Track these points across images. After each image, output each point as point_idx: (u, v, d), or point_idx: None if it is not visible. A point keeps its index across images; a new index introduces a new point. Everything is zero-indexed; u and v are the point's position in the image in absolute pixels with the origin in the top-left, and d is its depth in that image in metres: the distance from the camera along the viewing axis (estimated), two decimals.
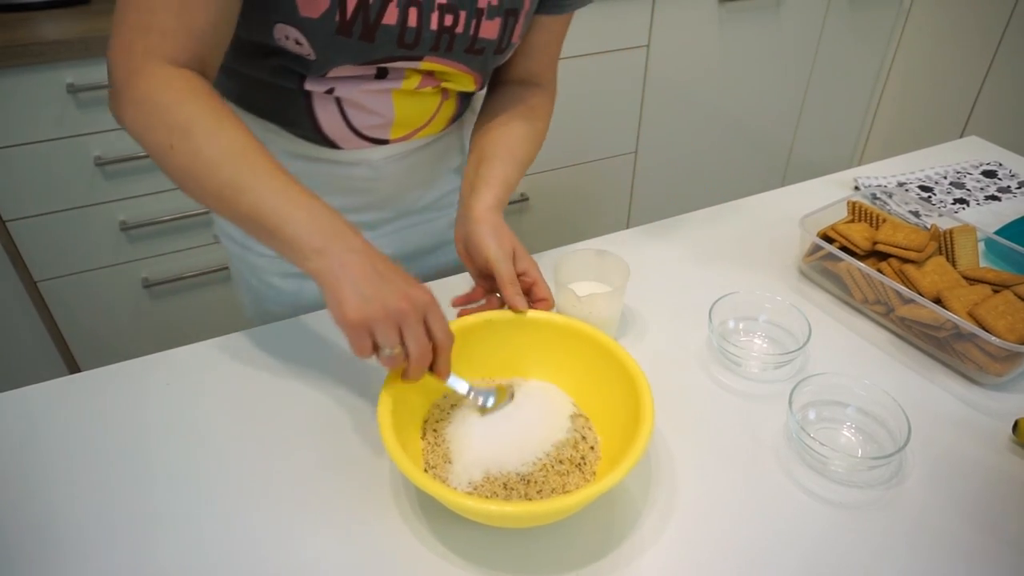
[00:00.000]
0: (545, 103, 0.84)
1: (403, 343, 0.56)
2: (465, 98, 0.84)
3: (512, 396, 0.66)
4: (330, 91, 0.72)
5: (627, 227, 1.00)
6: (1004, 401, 0.72)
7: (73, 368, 1.68)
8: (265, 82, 0.73)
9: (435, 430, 0.65)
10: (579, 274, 0.80)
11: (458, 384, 0.63)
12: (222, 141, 0.58)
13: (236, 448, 0.66)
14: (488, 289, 0.73)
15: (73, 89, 1.35)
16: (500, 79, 0.85)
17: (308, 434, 0.68)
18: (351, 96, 0.73)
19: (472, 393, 0.64)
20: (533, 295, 0.71)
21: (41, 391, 0.72)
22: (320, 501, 0.62)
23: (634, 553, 0.58)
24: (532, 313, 0.69)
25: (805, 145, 2.37)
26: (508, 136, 0.79)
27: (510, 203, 1.94)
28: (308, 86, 0.72)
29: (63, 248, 1.52)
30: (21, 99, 1.33)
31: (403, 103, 0.76)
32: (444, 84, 0.76)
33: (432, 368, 0.60)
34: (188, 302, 1.70)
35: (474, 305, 0.73)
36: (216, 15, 0.60)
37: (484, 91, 0.85)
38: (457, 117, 0.85)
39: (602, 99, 1.91)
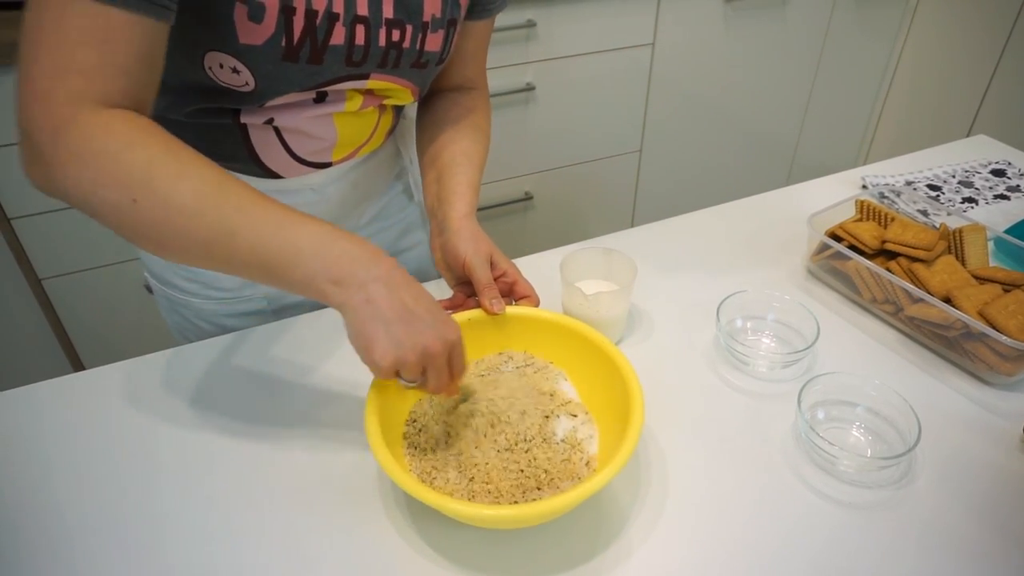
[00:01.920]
0: (484, 104, 0.85)
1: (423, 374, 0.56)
2: (399, 109, 0.84)
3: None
4: (269, 121, 0.69)
5: (631, 226, 0.99)
6: (1015, 401, 0.72)
7: (77, 366, 1.68)
8: (191, 124, 0.68)
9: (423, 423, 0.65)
10: (586, 272, 0.80)
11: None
12: (192, 182, 0.51)
13: (239, 445, 0.66)
14: (467, 295, 0.73)
15: None
16: (436, 88, 0.84)
17: (310, 432, 0.67)
18: (291, 124, 0.70)
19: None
20: (515, 293, 0.72)
21: (46, 388, 0.72)
22: (313, 499, 0.61)
23: (632, 552, 0.57)
24: (513, 309, 0.69)
25: (810, 144, 2.36)
26: (462, 143, 0.78)
27: (514, 202, 1.95)
28: (244, 119, 0.68)
29: (67, 246, 1.51)
30: None
31: (344, 124, 0.74)
32: (386, 102, 0.75)
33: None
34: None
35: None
36: (143, 46, 0.52)
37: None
38: (394, 129, 0.84)
39: (606, 97, 1.91)
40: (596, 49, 1.80)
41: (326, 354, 0.76)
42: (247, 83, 0.62)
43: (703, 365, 0.76)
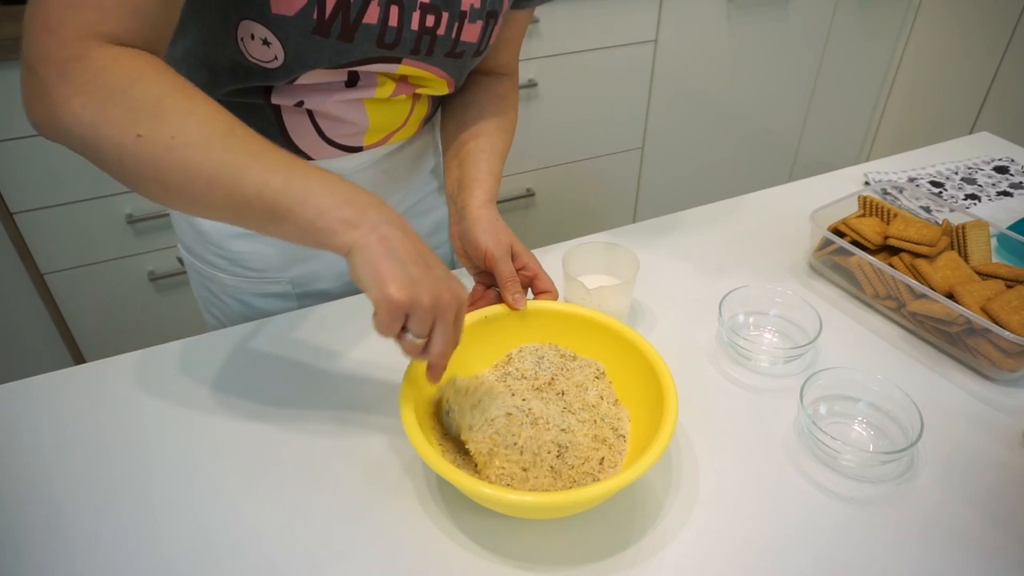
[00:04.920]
0: (513, 91, 0.84)
1: (429, 336, 0.53)
2: (437, 99, 0.83)
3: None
4: (299, 104, 0.69)
5: (633, 223, 0.99)
6: (1017, 397, 0.72)
7: (79, 360, 1.68)
8: (225, 103, 0.68)
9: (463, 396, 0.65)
10: (588, 267, 0.80)
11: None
12: (200, 120, 0.49)
13: (245, 437, 0.66)
14: (486, 285, 0.73)
15: None
16: (475, 68, 0.83)
17: (320, 421, 0.67)
18: (322, 108, 0.70)
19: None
20: (536, 288, 0.71)
21: (47, 381, 0.72)
22: (333, 487, 0.61)
23: (633, 546, 0.57)
24: (533, 303, 0.69)
25: (812, 142, 2.36)
26: (486, 129, 0.78)
27: (516, 198, 1.95)
28: (276, 99, 0.68)
29: (70, 241, 1.52)
30: None
31: (376, 110, 0.74)
32: (419, 91, 0.75)
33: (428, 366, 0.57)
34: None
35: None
36: None
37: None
38: (430, 118, 0.84)
39: (609, 95, 1.90)
40: (599, 46, 1.80)
41: (334, 345, 0.76)
42: (276, 56, 0.62)
43: (705, 360, 0.76)
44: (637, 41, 1.85)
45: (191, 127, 0.49)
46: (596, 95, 1.89)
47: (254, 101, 0.68)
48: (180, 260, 0.90)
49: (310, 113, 0.71)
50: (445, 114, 0.84)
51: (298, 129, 0.72)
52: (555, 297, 0.71)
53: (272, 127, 0.71)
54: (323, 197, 0.50)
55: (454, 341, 0.55)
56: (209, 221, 0.79)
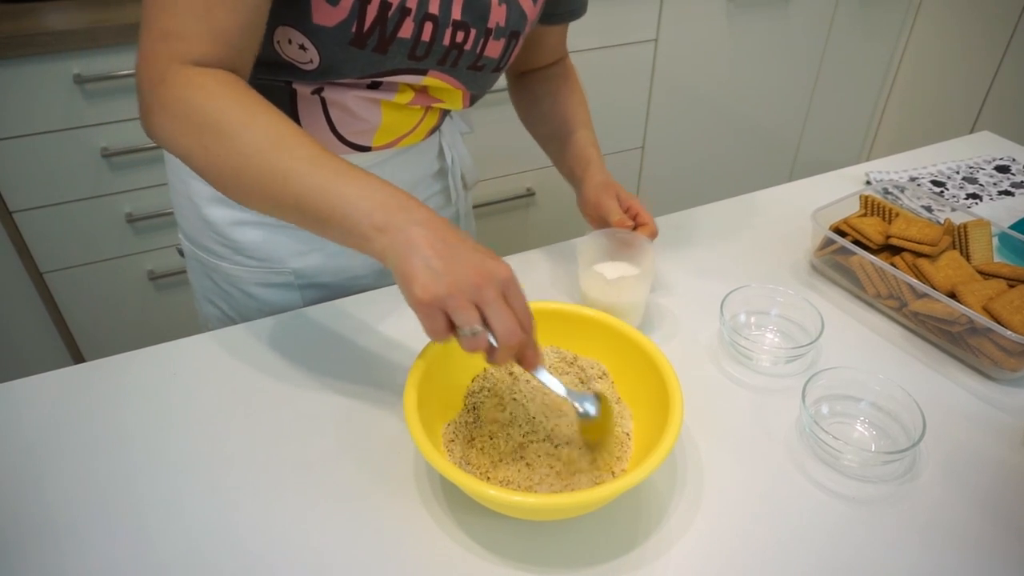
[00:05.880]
0: (570, 66, 0.96)
1: (486, 323, 0.51)
2: (445, 112, 0.85)
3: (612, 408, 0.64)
4: (317, 91, 0.70)
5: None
6: (1019, 396, 0.72)
7: (78, 359, 1.68)
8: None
9: (475, 407, 0.65)
10: (603, 256, 0.79)
11: (551, 382, 0.58)
12: (255, 132, 0.55)
13: (245, 437, 0.66)
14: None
15: (80, 80, 1.34)
16: (530, 68, 0.93)
17: (322, 421, 0.67)
18: (340, 99, 0.71)
19: (571, 398, 0.59)
20: (638, 220, 0.81)
21: (45, 381, 0.72)
22: (335, 488, 0.61)
23: (632, 546, 0.57)
24: (543, 304, 0.69)
25: (813, 142, 2.36)
26: (569, 114, 0.92)
27: (516, 198, 1.95)
28: (295, 84, 0.70)
29: (69, 240, 1.51)
30: (27, 90, 1.33)
31: (390, 111, 0.75)
32: (435, 104, 0.77)
33: (519, 356, 0.55)
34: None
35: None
36: (244, 17, 0.57)
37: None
38: (437, 128, 0.86)
39: (609, 94, 1.90)
40: (599, 45, 1.80)
41: (334, 344, 0.76)
42: (312, 60, 0.65)
43: (706, 360, 0.76)
44: (638, 40, 1.85)
45: (243, 141, 0.55)
46: (597, 95, 1.88)
47: (273, 84, 0.70)
48: (180, 251, 0.91)
49: (324, 103, 0.72)
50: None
51: (310, 120, 0.73)
52: (652, 228, 0.81)
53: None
54: (357, 203, 0.53)
55: (515, 317, 0.52)
56: (214, 209, 0.80)
